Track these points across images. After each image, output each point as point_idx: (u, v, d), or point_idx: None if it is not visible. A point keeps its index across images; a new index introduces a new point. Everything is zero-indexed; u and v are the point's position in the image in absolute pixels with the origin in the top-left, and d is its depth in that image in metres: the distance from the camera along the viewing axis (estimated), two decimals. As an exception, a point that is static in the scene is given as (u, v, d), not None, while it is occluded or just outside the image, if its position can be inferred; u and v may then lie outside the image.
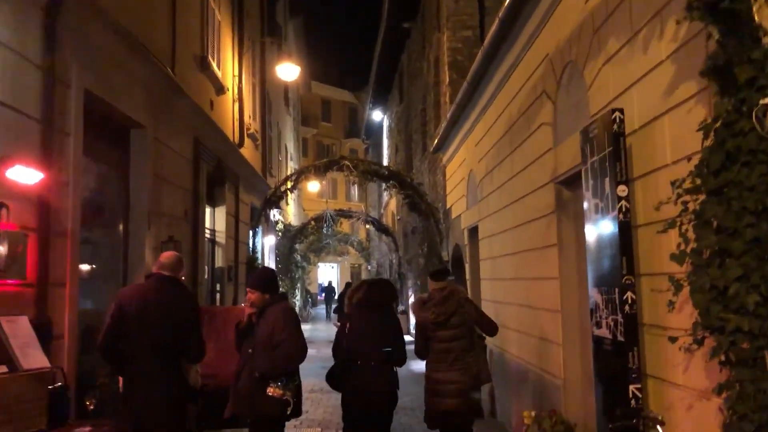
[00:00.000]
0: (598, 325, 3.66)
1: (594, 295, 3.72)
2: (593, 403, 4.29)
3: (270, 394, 4.39)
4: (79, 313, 5.04)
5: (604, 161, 3.53)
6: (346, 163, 12.21)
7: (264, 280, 4.88)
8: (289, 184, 12.36)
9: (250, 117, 12.72)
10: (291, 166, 24.77)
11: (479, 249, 8.96)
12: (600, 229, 3.66)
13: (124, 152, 6.41)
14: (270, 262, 17.00)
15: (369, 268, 31.91)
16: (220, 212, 10.13)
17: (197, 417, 6.03)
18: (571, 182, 5.09)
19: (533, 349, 6.09)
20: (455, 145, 10.61)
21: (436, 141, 11.84)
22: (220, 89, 9.96)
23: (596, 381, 3.79)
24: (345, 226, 34.22)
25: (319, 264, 41.24)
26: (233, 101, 11.19)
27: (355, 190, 45.94)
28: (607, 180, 3.49)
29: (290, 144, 25.39)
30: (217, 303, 9.94)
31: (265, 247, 14.75)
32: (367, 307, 5.38)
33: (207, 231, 9.53)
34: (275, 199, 12.42)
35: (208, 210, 9.92)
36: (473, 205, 9.22)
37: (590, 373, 4.77)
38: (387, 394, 5.21)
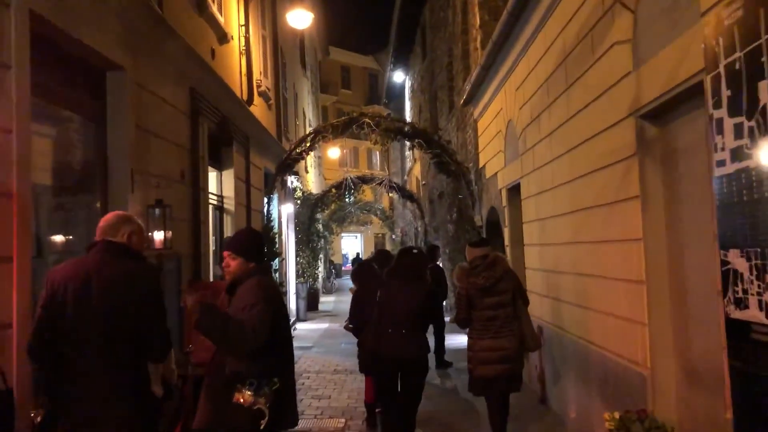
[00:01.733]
0: (740, 303, 2.51)
1: (732, 259, 2.56)
2: (715, 409, 3.16)
3: (237, 401, 3.27)
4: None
5: (756, 55, 2.34)
6: (367, 120, 10.98)
7: (250, 242, 3.77)
8: (306, 145, 11.20)
9: (260, 73, 11.57)
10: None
11: (522, 210, 7.79)
12: (746, 160, 2.48)
13: (99, 99, 5.32)
14: (289, 232, 15.99)
15: (393, 237, 30.85)
16: (228, 176, 9.06)
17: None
18: (662, 113, 3.89)
19: (602, 329, 4.94)
20: (489, 94, 9.37)
21: (466, 93, 10.60)
22: (223, 37, 8.80)
23: (734, 383, 2.64)
24: (368, 194, 33.23)
25: (343, 234, 40.37)
26: (240, 53, 10.04)
27: (377, 158, 44.71)
28: (763, 84, 2.31)
29: (309, 110, 24.20)
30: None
31: (283, 215, 13.70)
32: (399, 275, 5.37)
33: (212, 196, 8.47)
34: (290, 162, 11.28)
35: (213, 173, 8.85)
36: (513, 161, 8.02)
37: (694, 365, 3.64)
38: (418, 360, 5.20)
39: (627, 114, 4.21)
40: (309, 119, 24.37)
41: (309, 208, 18.86)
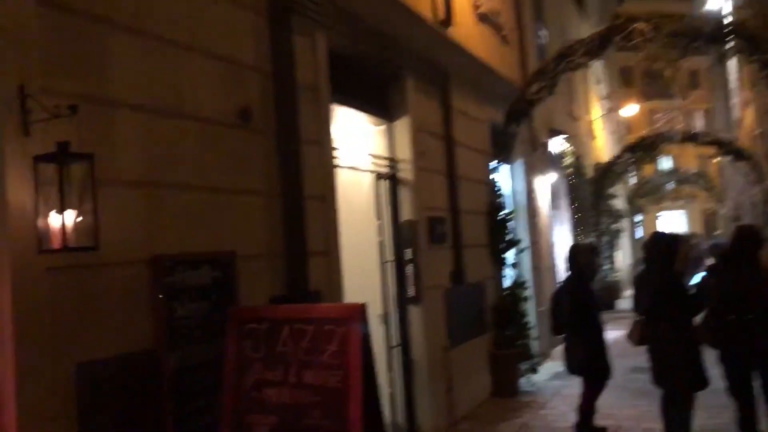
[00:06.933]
0: None
1: None
2: None
3: None
4: None
5: None
6: (637, 26, 6.96)
7: None
8: (549, 78, 7.56)
9: (479, -10, 8.20)
10: (597, 92, 19.23)
11: None
12: None
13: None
14: (561, 212, 12.27)
15: (724, 211, 24.40)
16: (403, 129, 5.93)
17: None
18: None
19: None
20: None
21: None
22: None
23: None
24: (686, 159, 27.28)
25: (661, 212, 34.24)
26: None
27: (701, 118, 37.10)
28: None
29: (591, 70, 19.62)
30: (410, 282, 5.81)
31: (538, 189, 10.07)
32: (734, 256, 4.98)
33: (369, 159, 5.50)
34: (523, 108, 7.75)
35: (375, 126, 5.85)
36: None
37: None
38: None
39: None
40: (598, 77, 19.89)
41: (593, 181, 14.79)
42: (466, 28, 7.48)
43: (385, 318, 5.60)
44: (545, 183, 10.61)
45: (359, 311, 3.04)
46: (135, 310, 3.01)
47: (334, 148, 4.70)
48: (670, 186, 23.71)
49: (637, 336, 5.00)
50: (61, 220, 2.41)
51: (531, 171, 9.68)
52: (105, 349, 2.81)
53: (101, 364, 2.78)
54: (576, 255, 5.77)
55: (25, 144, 2.55)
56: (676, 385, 4.80)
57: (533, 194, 9.71)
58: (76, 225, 2.46)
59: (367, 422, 2.92)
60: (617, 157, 15.33)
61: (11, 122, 2.53)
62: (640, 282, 5.25)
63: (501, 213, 7.72)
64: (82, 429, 2.67)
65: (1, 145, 2.50)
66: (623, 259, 19.21)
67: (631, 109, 22.66)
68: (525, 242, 8.60)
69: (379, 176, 5.69)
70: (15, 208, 2.49)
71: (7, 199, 2.47)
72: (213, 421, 3.15)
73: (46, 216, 2.44)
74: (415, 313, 5.84)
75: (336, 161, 4.75)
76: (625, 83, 32.84)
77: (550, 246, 10.71)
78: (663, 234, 5.63)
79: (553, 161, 11.39)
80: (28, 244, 2.49)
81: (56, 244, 2.42)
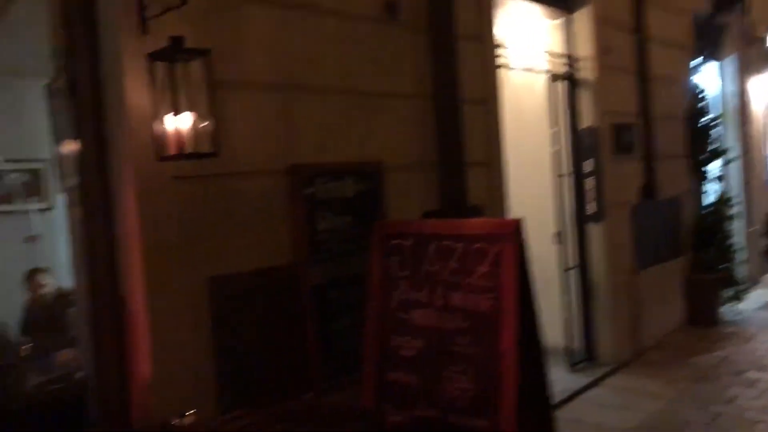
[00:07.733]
0: None
1: None
2: None
3: None
4: None
5: None
6: None
7: None
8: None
9: None
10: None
11: None
12: None
13: None
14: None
15: None
16: (583, 21, 5.14)
17: None
18: None
19: None
20: None
21: None
22: None
23: None
24: None
25: None
26: None
27: None
28: None
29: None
30: (590, 198, 5.17)
31: (750, 90, 8.56)
32: None
33: (544, 56, 4.85)
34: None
35: (549, 19, 5.14)
36: None
37: None
38: None
39: None
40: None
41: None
42: None
43: (561, 237, 5.06)
44: (762, 85, 9.03)
45: (515, 227, 2.60)
46: (272, 223, 2.82)
47: (498, 45, 4.14)
48: None
49: None
50: (175, 124, 2.21)
51: (745, 70, 8.22)
52: (240, 263, 2.67)
53: (236, 278, 2.64)
54: None
55: (144, 43, 2.38)
56: None
57: (746, 97, 8.29)
58: (194, 129, 2.26)
59: (521, 353, 2.53)
60: None
61: (129, 20, 2.37)
62: None
63: (704, 119, 6.63)
64: (217, 343, 2.57)
65: (119, 45, 2.36)
66: None
67: None
68: (734, 153, 7.40)
69: (555, 77, 5.01)
70: (136, 114, 2.35)
71: (127, 104, 2.34)
72: (357, 341, 2.93)
73: (162, 119, 2.27)
74: (595, 231, 5.22)
75: (501, 60, 4.20)
76: None
77: (766, 158, 9.21)
78: None
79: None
80: (150, 150, 2.35)
81: (172, 149, 2.24)
